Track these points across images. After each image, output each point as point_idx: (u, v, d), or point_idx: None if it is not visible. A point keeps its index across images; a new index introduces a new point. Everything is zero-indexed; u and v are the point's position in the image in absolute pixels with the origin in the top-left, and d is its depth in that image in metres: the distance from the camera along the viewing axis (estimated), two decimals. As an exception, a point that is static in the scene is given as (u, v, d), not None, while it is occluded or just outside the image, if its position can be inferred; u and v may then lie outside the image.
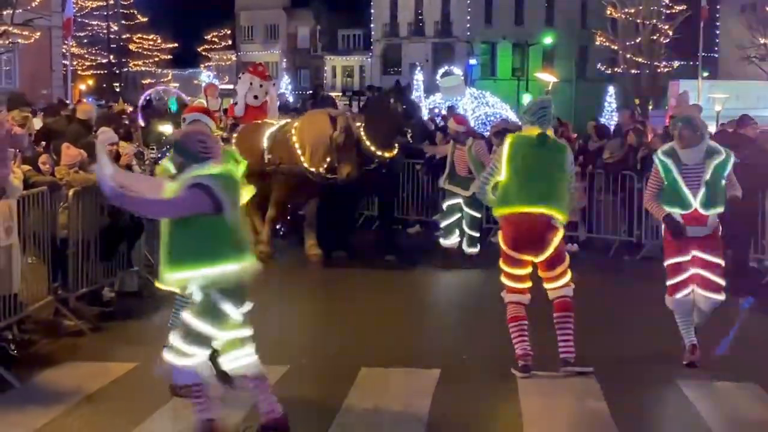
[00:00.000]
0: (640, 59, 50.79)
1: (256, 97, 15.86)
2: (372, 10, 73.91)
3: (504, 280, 8.17)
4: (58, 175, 9.83)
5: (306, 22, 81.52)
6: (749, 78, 47.10)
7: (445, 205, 13.86)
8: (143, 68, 73.39)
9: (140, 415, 6.91)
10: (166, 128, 13.98)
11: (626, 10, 51.44)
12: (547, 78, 53.26)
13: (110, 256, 10.57)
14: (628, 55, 50.93)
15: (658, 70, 51.77)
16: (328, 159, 13.34)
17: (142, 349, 8.66)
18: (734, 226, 10.66)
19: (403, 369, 8.26)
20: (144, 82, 77.21)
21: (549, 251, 7.94)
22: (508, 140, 8.13)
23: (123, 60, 68.99)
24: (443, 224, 13.91)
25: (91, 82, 61.25)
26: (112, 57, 61.99)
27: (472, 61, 63.58)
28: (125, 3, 64.63)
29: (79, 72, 55.19)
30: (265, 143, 14.11)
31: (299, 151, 13.64)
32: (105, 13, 57.76)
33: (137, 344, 8.97)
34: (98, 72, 63.53)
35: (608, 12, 52.28)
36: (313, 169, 13.47)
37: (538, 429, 6.79)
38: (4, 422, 6.81)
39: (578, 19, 68.83)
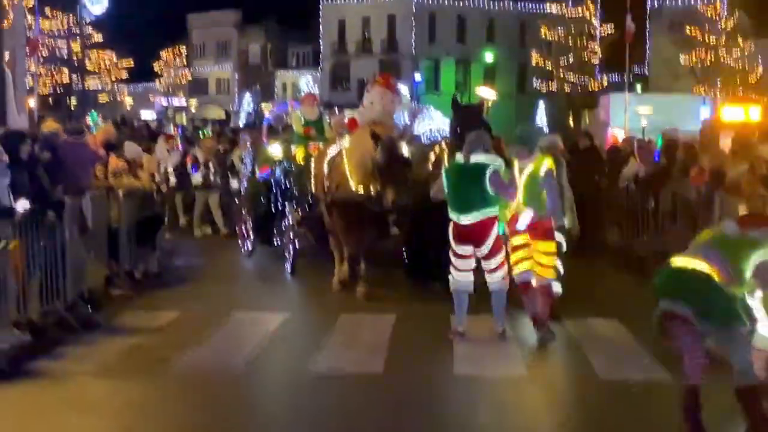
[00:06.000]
0: (571, 76, 54.50)
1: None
2: (321, 28, 76.58)
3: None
4: (110, 180, 13.14)
5: (257, 39, 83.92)
6: (678, 92, 50.54)
7: None
8: (99, 85, 75.60)
9: (195, 339, 10.18)
10: (276, 150, 14.94)
11: (559, 30, 55.17)
12: (487, 93, 56.90)
13: (143, 241, 13.86)
14: (562, 73, 54.62)
15: (590, 88, 55.53)
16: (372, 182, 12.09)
17: (180, 303, 12.19)
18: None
19: (371, 315, 11.60)
20: (100, 99, 79.78)
21: None
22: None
23: (79, 77, 71.34)
24: None
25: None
26: (70, 74, 64.17)
27: (418, 78, 66.86)
28: (83, 23, 66.83)
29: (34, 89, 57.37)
30: (325, 168, 13.14)
31: (348, 175, 12.49)
32: (64, 33, 60.36)
33: (175, 301, 12.38)
34: (55, 90, 65.65)
35: (542, 33, 56.02)
36: (361, 192, 12.30)
37: (464, 345, 10.15)
38: (103, 345, 10.03)
39: (518, 37, 72.44)
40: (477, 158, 10.21)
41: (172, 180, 18.98)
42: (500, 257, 10.35)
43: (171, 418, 7.83)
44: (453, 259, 10.39)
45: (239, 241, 16.59)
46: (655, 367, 9.06)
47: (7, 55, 27.96)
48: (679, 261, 7.20)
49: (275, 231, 14.96)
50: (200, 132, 27.63)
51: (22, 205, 9.70)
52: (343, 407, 8.17)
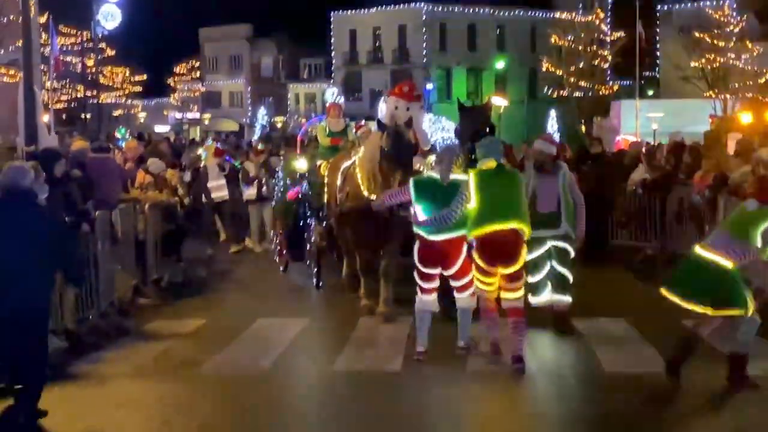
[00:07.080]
0: (582, 83, 54.88)
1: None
2: (332, 40, 76.90)
3: (480, 286, 9.86)
4: (133, 194, 13.72)
5: (269, 52, 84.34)
6: (689, 96, 50.86)
7: (529, 257, 10.54)
8: (113, 100, 76.32)
9: (223, 343, 10.76)
10: (302, 164, 14.45)
11: (569, 37, 55.59)
12: (499, 101, 57.45)
13: (168, 253, 14.45)
14: (572, 79, 55.02)
15: (600, 93, 55.90)
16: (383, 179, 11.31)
17: (205, 312, 12.68)
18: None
19: (388, 324, 11.91)
20: (114, 113, 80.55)
21: (519, 264, 9.71)
22: (473, 173, 9.70)
23: (94, 93, 72.11)
24: (531, 280, 11.08)
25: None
26: (85, 90, 64.82)
27: (429, 86, 67.22)
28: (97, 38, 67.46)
29: (49, 106, 57.94)
30: (339, 180, 12.67)
31: (360, 181, 11.91)
32: (79, 48, 61.07)
33: (200, 310, 12.89)
34: (69, 105, 66.38)
35: (553, 40, 56.42)
36: (374, 197, 11.36)
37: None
38: (135, 350, 10.61)
39: (528, 44, 72.81)
40: (454, 176, 9.84)
41: (224, 194, 18.91)
42: (469, 276, 9.99)
43: (203, 412, 8.45)
44: (419, 280, 10.04)
45: (276, 256, 16.38)
46: (659, 361, 9.53)
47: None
48: (692, 255, 8.62)
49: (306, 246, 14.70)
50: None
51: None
52: (363, 403, 8.73)
